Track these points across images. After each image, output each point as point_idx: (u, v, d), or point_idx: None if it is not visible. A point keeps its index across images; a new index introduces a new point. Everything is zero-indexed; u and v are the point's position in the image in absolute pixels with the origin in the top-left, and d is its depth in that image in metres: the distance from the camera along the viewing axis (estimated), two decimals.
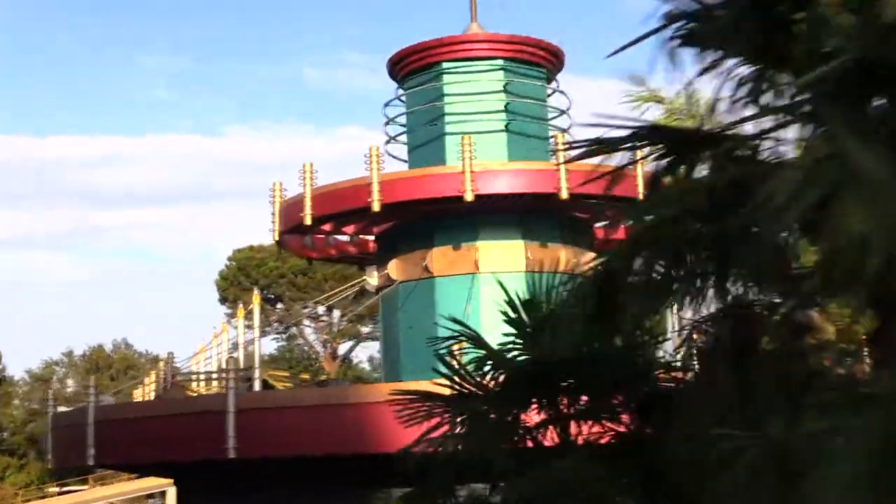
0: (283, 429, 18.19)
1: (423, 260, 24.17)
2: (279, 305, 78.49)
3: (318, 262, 77.42)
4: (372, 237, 27.71)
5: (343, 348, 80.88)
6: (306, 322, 77.61)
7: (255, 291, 37.17)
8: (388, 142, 26.82)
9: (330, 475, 20.20)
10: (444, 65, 25.41)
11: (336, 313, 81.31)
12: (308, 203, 23.27)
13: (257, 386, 34.90)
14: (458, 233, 24.17)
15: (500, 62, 25.33)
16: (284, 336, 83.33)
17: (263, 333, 48.92)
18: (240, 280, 77.51)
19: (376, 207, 22.24)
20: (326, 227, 25.60)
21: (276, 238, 25.04)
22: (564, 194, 21.89)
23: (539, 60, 25.62)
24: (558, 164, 22.13)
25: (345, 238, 27.88)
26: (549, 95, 26.04)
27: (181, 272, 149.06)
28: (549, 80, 26.03)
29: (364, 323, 79.08)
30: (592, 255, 25.19)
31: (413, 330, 24.27)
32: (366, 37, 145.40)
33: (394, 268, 24.66)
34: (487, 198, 22.09)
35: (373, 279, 25.53)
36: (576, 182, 21.98)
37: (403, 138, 26.94)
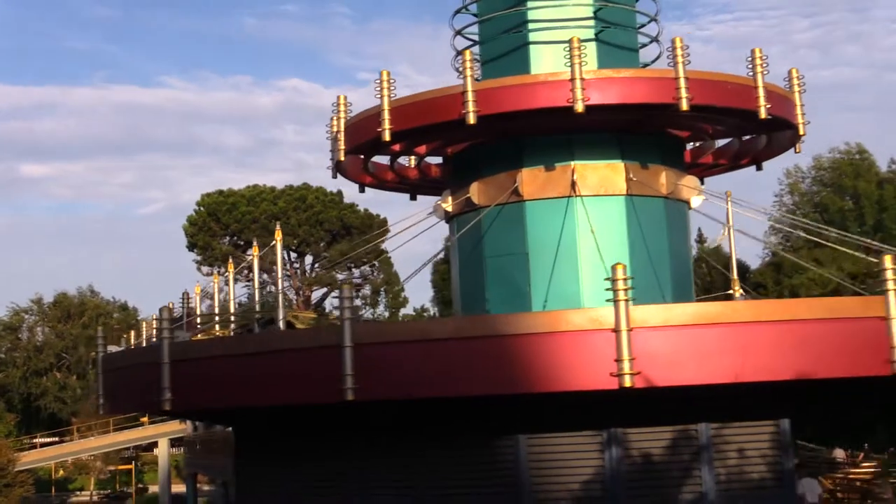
0: (411, 366, 15.61)
1: (511, 182, 21.60)
2: (250, 251, 75.54)
3: (292, 208, 74.93)
4: (439, 160, 25.11)
5: (316, 296, 77.99)
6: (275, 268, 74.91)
7: (277, 227, 34.57)
8: (457, 55, 24.08)
9: (438, 420, 17.73)
10: None
11: (309, 259, 78.61)
12: (386, 116, 20.51)
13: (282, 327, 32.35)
14: (552, 152, 21.63)
15: None
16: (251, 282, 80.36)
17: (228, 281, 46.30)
18: (210, 226, 74.28)
19: (472, 120, 19.56)
20: (396, 147, 22.85)
21: (341, 158, 22.18)
22: (685, 105, 19.40)
23: None
24: (678, 72, 19.59)
25: (403, 163, 25.24)
26: (637, 0, 23.45)
27: (129, 221, 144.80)
28: None
29: (339, 269, 76.36)
30: (691, 178, 22.93)
31: (500, 259, 21.79)
32: None
33: (476, 191, 22.06)
34: (599, 109, 19.49)
35: (447, 205, 22.87)
36: (697, 92, 19.61)
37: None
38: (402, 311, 78.09)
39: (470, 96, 19.60)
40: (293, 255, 76.75)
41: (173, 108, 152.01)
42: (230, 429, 29.28)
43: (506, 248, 21.74)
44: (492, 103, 19.76)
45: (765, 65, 20.60)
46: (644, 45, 23.51)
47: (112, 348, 29.11)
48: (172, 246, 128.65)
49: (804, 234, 37.87)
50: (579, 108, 19.27)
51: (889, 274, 15.57)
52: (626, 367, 14.89)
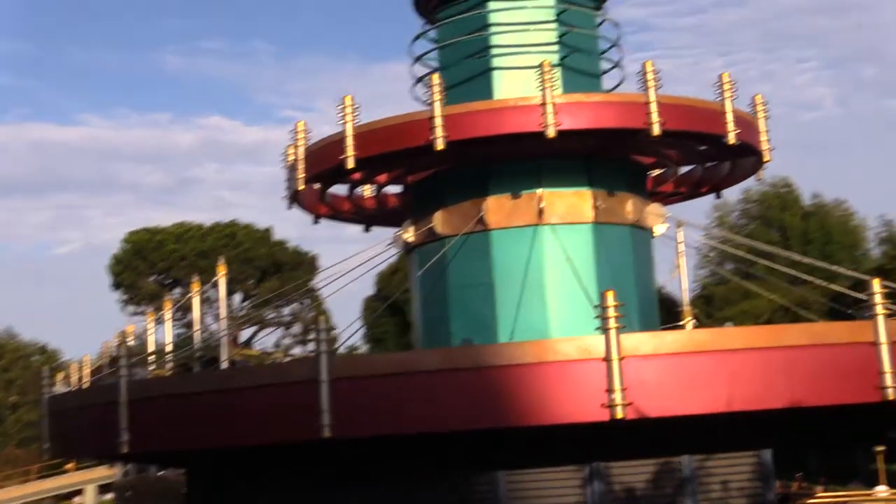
0: (393, 400, 14.88)
1: (476, 211, 21.04)
2: (177, 290, 73.98)
3: (221, 245, 73.62)
4: (397, 190, 24.49)
5: (245, 335, 76.56)
6: (206, 307, 73.51)
7: (221, 262, 33.68)
8: (417, 82, 23.58)
9: (415, 457, 17.02)
10: None
11: (237, 297, 77.26)
12: (350, 143, 19.85)
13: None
14: (518, 179, 21.17)
15: None
16: (182, 322, 78.71)
17: (160, 320, 45.06)
18: (135, 264, 72.60)
19: (440, 145, 19.01)
20: (357, 175, 22.20)
21: (300, 186, 21.43)
22: (657, 129, 19.03)
23: None
24: (649, 96, 19.24)
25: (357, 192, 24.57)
26: (598, 25, 23.11)
27: (46, 262, 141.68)
28: (597, 8, 23.12)
29: (268, 308, 75.23)
30: (656, 205, 22.59)
31: (465, 289, 21.19)
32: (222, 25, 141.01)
33: (439, 221, 21.46)
34: (570, 134, 19.05)
35: (408, 235, 22.22)
36: (668, 116, 19.27)
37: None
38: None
39: (438, 121, 19.06)
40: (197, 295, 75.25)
41: (90, 146, 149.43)
42: (172, 470, 28.18)
43: (471, 279, 21.18)
44: (460, 129, 19.24)
45: (733, 89, 20.38)
46: (606, 71, 23.18)
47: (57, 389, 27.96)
48: (91, 286, 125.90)
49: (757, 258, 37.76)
50: (551, 132, 18.84)
51: (877, 298, 15.25)
52: (618, 397, 14.34)
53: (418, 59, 23.57)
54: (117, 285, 73.83)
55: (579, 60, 22.17)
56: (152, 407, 16.59)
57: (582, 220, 21.05)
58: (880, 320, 15.12)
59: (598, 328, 14.69)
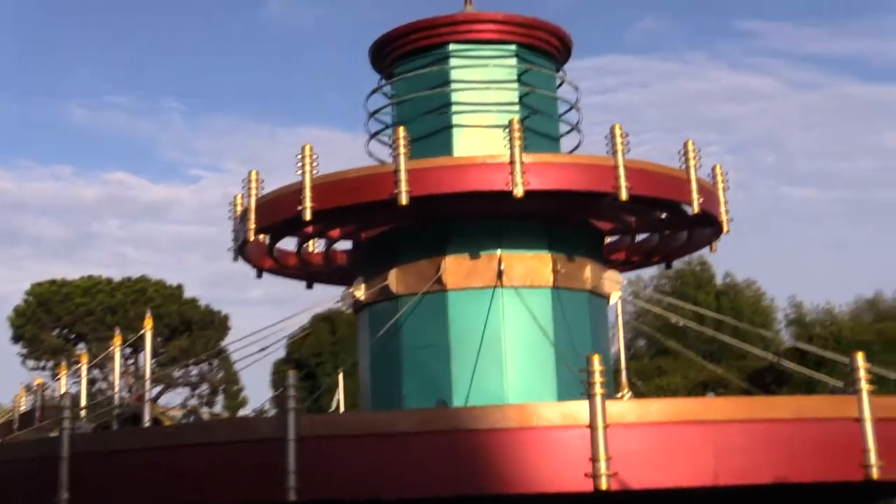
0: (367, 463, 14.03)
1: (433, 270, 20.41)
2: (81, 345, 71.72)
3: (130, 301, 71.69)
4: (345, 246, 23.75)
5: (151, 393, 74.27)
6: (112, 364, 71.34)
7: (148, 314, 32.42)
8: (372, 137, 23.01)
9: None
10: (451, 47, 21.93)
11: (144, 355, 75.03)
12: (308, 194, 19.12)
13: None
14: (478, 240, 20.60)
15: (514, 48, 22.04)
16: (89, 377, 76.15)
17: (73, 375, 43.34)
18: (39, 317, 70.19)
19: (404, 200, 18.36)
20: (310, 228, 21.43)
21: (251, 237, 20.58)
22: (624, 194, 18.65)
23: (550, 49, 22.51)
24: (618, 160, 18.88)
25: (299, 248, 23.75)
26: (557, 86, 22.82)
27: None
28: (556, 70, 22.87)
29: (176, 366, 73.37)
30: (613, 272, 22.16)
31: (419, 351, 20.47)
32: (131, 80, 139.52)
33: (394, 279, 20.76)
34: (537, 195, 18.58)
35: (359, 292, 21.46)
36: (635, 181, 18.91)
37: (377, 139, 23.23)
38: (241, 412, 75.12)
39: (402, 175, 18.43)
40: (128, 350, 73.13)
41: None
42: None
43: (425, 340, 20.46)
44: (425, 184, 18.63)
45: (698, 157, 20.16)
46: (564, 134, 22.83)
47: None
48: None
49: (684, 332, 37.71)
50: (518, 192, 18.34)
51: (861, 373, 14.91)
52: (603, 467, 13.67)
53: (373, 114, 23.00)
54: (17, 338, 71.23)
55: (539, 121, 21.80)
56: (98, 463, 15.46)
57: (541, 283, 20.54)
58: (864, 396, 14.76)
59: (582, 393, 14.07)
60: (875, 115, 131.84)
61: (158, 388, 73.06)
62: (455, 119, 21.46)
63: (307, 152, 19.40)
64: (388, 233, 21.41)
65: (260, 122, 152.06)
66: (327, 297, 25.41)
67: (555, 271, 20.58)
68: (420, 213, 19.99)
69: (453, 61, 21.75)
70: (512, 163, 18.45)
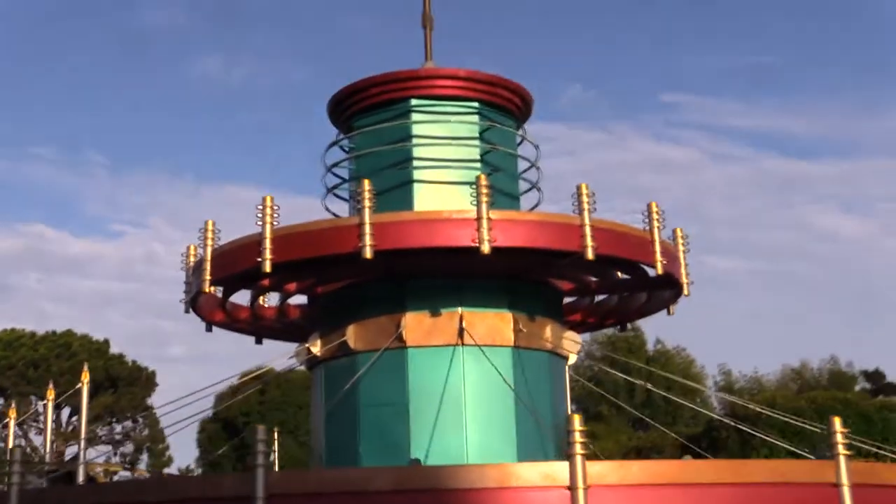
0: None
1: (393, 327, 20.01)
2: (0, 400, 69.75)
3: (54, 355, 70.01)
4: (297, 301, 23.24)
5: (71, 451, 72.44)
6: (32, 420, 69.41)
7: (85, 368, 31.57)
8: (329, 191, 22.66)
9: None
10: (413, 101, 21.70)
11: (66, 412, 73.18)
12: (268, 245, 18.66)
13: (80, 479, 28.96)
14: (438, 297, 20.26)
15: (477, 105, 21.90)
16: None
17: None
18: None
19: (369, 254, 17.99)
20: (266, 281, 20.94)
21: (206, 289, 20.02)
22: (591, 254, 18.48)
23: (511, 106, 22.40)
24: (584, 219, 18.73)
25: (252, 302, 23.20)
26: (518, 144, 22.70)
27: None
28: (517, 127, 22.75)
29: (100, 423, 71.67)
30: (572, 333, 21.97)
31: (376, 409, 19.99)
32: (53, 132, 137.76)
33: (353, 335, 20.32)
34: (504, 252, 18.34)
35: (315, 348, 20.96)
36: (601, 241, 18.76)
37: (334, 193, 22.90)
38: (166, 471, 73.38)
39: (367, 229, 18.08)
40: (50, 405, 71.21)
41: None
42: None
43: (384, 398, 19.98)
44: (390, 238, 18.27)
45: (661, 219, 20.10)
46: (525, 192, 22.67)
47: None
48: None
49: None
50: (485, 249, 18.06)
51: (839, 437, 14.76)
52: None
53: (329, 168, 22.65)
54: None
55: (499, 179, 21.58)
56: None
57: (503, 343, 20.22)
58: (842, 460, 14.61)
59: (563, 453, 13.72)
60: (791, 189, 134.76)
61: (82, 447, 71.18)
62: (416, 174, 21.19)
63: (268, 203, 18.98)
64: (347, 288, 21.00)
65: (184, 179, 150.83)
66: (273, 353, 24.97)
67: (516, 330, 20.29)
68: (382, 268, 19.61)
69: (415, 116, 21.52)
70: (479, 219, 18.20)
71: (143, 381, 70.87)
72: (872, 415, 49.07)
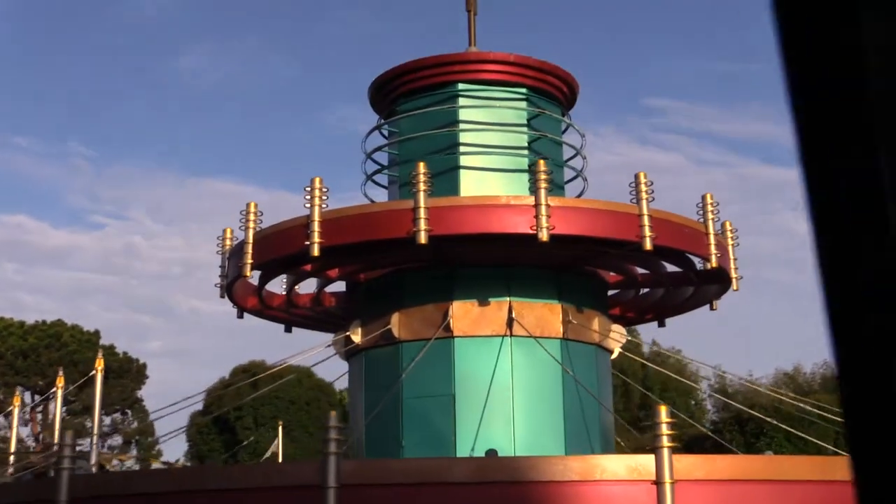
0: None
1: (440, 316, 19.45)
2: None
3: (44, 345, 69.05)
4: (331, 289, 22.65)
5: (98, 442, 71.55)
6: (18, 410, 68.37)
7: (100, 356, 30.88)
8: (368, 178, 22.10)
9: None
10: (461, 86, 21.15)
11: (54, 404, 72.20)
12: (316, 228, 18.07)
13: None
14: (487, 286, 19.70)
15: (525, 91, 21.38)
16: None
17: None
18: None
19: (423, 239, 17.42)
20: (308, 266, 20.34)
21: (248, 273, 19.40)
22: (649, 244, 17.96)
23: (558, 94, 21.89)
24: (642, 209, 18.24)
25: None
26: (563, 131, 22.18)
27: None
28: (562, 114, 22.24)
29: (87, 415, 70.72)
30: (618, 327, 21.44)
31: (421, 400, 19.43)
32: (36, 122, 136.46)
33: (397, 323, 19.73)
34: (561, 240, 17.81)
35: (356, 336, 20.38)
36: (659, 232, 18.26)
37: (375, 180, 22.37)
38: (154, 465, 72.54)
39: (422, 213, 17.51)
40: (36, 397, 70.43)
41: None
42: None
43: (430, 389, 19.41)
44: (444, 223, 17.71)
45: (716, 212, 19.63)
46: (569, 180, 22.16)
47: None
48: None
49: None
50: (544, 236, 17.50)
51: None
52: None
53: (369, 156, 22.10)
54: None
55: (547, 167, 21.08)
56: None
57: (552, 334, 19.70)
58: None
59: (648, 447, 13.20)
60: (773, 196, 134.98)
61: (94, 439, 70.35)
62: (462, 160, 20.64)
63: (317, 185, 18.40)
64: (391, 274, 20.42)
65: (169, 172, 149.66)
66: (266, 347, 24.35)
67: (565, 322, 19.77)
68: (431, 255, 19.06)
69: (462, 100, 20.98)
70: (537, 205, 17.65)
71: (133, 372, 70.03)
72: None
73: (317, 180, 18.44)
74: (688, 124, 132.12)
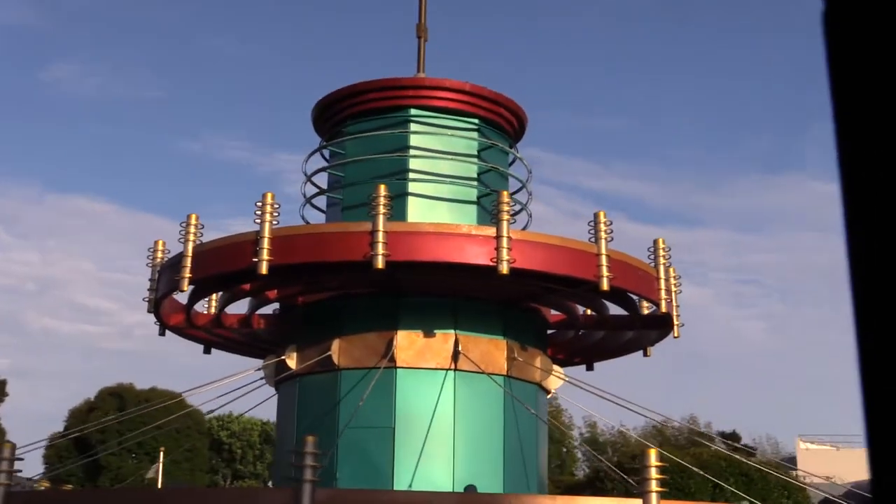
0: None
1: (382, 345, 18.81)
2: None
3: None
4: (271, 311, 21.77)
5: None
6: None
7: None
8: (308, 200, 21.41)
9: None
10: (413, 111, 20.65)
11: None
12: (266, 246, 17.31)
13: None
14: (432, 317, 19.16)
15: (476, 121, 20.99)
16: None
17: None
18: None
19: (380, 264, 16.81)
20: (247, 286, 19.50)
21: (184, 287, 18.45)
22: (605, 284, 17.71)
23: (507, 126, 21.57)
24: (600, 248, 17.97)
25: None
26: (510, 164, 21.84)
27: None
28: (511, 146, 21.91)
29: None
30: (557, 367, 21.08)
31: (359, 431, 18.70)
32: None
33: (338, 350, 19.00)
34: (519, 274, 17.42)
35: (291, 361, 19.57)
36: (618, 272, 18.03)
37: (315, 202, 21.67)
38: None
39: (381, 237, 16.90)
40: None
41: None
42: None
43: (366, 419, 18.70)
44: (403, 249, 17.14)
45: (668, 256, 19.51)
46: (516, 213, 21.72)
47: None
48: None
49: None
50: (504, 269, 17.07)
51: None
52: None
53: (310, 178, 21.42)
54: None
55: (494, 199, 20.72)
56: None
57: (496, 370, 19.23)
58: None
59: (635, 491, 12.80)
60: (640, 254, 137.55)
61: None
62: (411, 187, 20.10)
63: (268, 200, 17.64)
64: (333, 299, 19.71)
65: (27, 185, 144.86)
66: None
67: (510, 358, 19.35)
68: (379, 281, 18.44)
69: (414, 126, 20.47)
70: (499, 237, 17.23)
71: None
72: (753, 474, 49.55)
73: (269, 196, 17.68)
74: (557, 176, 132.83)
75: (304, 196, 21.44)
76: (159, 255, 20.00)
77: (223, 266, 18.12)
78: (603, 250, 18.01)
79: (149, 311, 20.04)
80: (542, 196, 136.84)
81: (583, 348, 23.06)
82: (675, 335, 20.73)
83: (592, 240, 18.09)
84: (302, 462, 12.29)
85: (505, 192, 17.76)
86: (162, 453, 41.63)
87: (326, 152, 21.73)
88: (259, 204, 17.63)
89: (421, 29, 22.34)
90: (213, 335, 22.01)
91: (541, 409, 20.30)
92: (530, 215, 21.74)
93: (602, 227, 18.17)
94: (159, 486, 40.12)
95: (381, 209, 17.16)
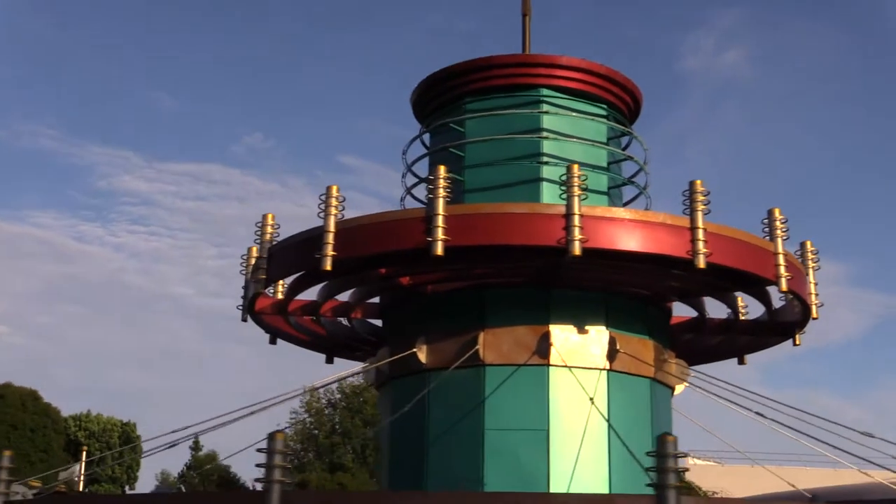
0: None
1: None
2: None
3: None
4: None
5: None
6: None
7: None
8: (413, 186, 19.81)
9: None
10: (544, 91, 19.19)
11: None
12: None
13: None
14: (585, 312, 17.73)
15: (605, 105, 19.68)
16: None
17: None
18: None
19: (577, 250, 15.52)
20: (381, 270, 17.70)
21: (328, 265, 16.46)
22: (702, 262, 16.02)
23: (625, 109, 20.30)
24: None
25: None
26: (624, 148, 20.37)
27: None
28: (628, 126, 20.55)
29: None
30: (681, 362, 19.62)
31: (508, 432, 17.08)
32: None
33: (483, 345, 17.38)
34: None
35: (422, 354, 17.90)
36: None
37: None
38: None
39: (575, 220, 15.51)
40: None
41: None
42: None
43: (517, 421, 17.19)
44: (602, 238, 15.72)
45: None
46: (632, 199, 20.44)
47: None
48: None
49: None
50: (700, 262, 15.87)
51: None
52: None
53: (410, 166, 19.84)
54: None
55: (616, 183, 19.64)
56: None
57: (645, 372, 18.02)
58: None
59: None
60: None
61: None
62: (545, 171, 18.56)
63: (441, 173, 15.92)
64: (469, 289, 18.10)
65: None
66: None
67: (657, 360, 18.15)
68: (537, 271, 17.00)
69: (545, 106, 18.99)
70: (693, 228, 16.03)
71: None
72: None
73: (442, 168, 15.92)
74: (378, 187, 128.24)
75: (405, 186, 19.77)
76: (269, 230, 17.97)
77: (382, 245, 16.26)
78: (780, 249, 17.08)
79: (257, 293, 17.91)
80: (359, 203, 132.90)
81: (706, 349, 21.60)
82: (815, 316, 19.12)
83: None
84: (664, 466, 10.66)
85: (698, 182, 16.45)
86: (84, 453, 38.38)
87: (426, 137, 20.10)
88: (431, 178, 15.90)
89: (526, 6, 20.87)
90: (319, 324, 20.14)
91: (668, 411, 19.09)
92: (649, 198, 20.31)
93: (777, 223, 17.22)
94: (80, 488, 37.00)
95: (576, 191, 15.73)
